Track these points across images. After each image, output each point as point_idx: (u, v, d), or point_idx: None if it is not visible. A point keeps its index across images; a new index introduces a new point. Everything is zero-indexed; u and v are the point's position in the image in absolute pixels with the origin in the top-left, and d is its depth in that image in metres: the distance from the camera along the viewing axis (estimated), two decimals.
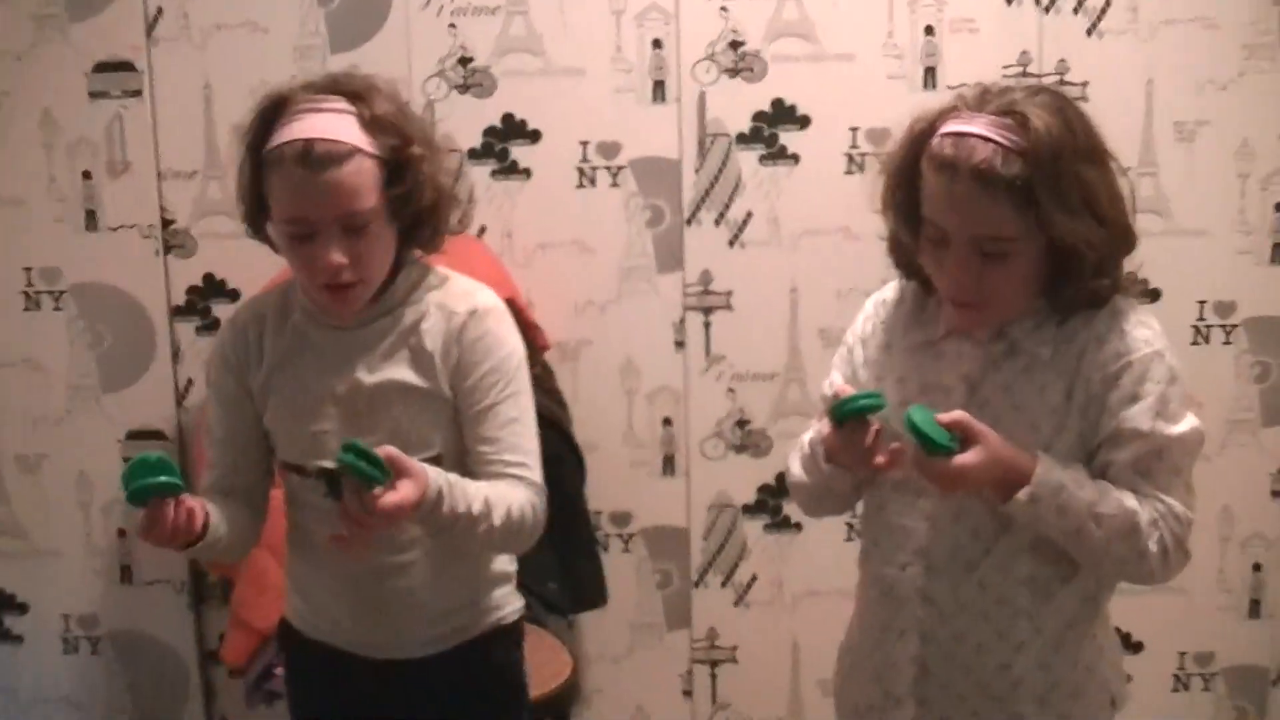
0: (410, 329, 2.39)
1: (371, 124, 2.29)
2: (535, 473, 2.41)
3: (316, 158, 2.22)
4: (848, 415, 2.14)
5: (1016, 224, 2.10)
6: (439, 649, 2.49)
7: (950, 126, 2.14)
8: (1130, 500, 2.10)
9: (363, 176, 2.26)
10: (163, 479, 2.15)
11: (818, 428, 2.31)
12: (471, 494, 2.28)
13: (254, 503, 2.50)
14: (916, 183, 2.19)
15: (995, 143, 2.09)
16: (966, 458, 2.06)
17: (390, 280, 2.40)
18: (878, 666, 2.36)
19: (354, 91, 2.32)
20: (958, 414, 2.09)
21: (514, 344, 2.44)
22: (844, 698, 2.49)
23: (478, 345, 2.38)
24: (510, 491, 2.35)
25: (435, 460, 2.32)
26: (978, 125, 2.11)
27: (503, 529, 2.31)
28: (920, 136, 2.19)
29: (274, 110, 2.31)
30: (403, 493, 2.13)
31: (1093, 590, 2.28)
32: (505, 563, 2.58)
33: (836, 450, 2.21)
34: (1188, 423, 2.18)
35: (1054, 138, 2.09)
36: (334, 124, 2.27)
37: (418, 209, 2.34)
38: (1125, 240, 2.20)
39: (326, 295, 2.33)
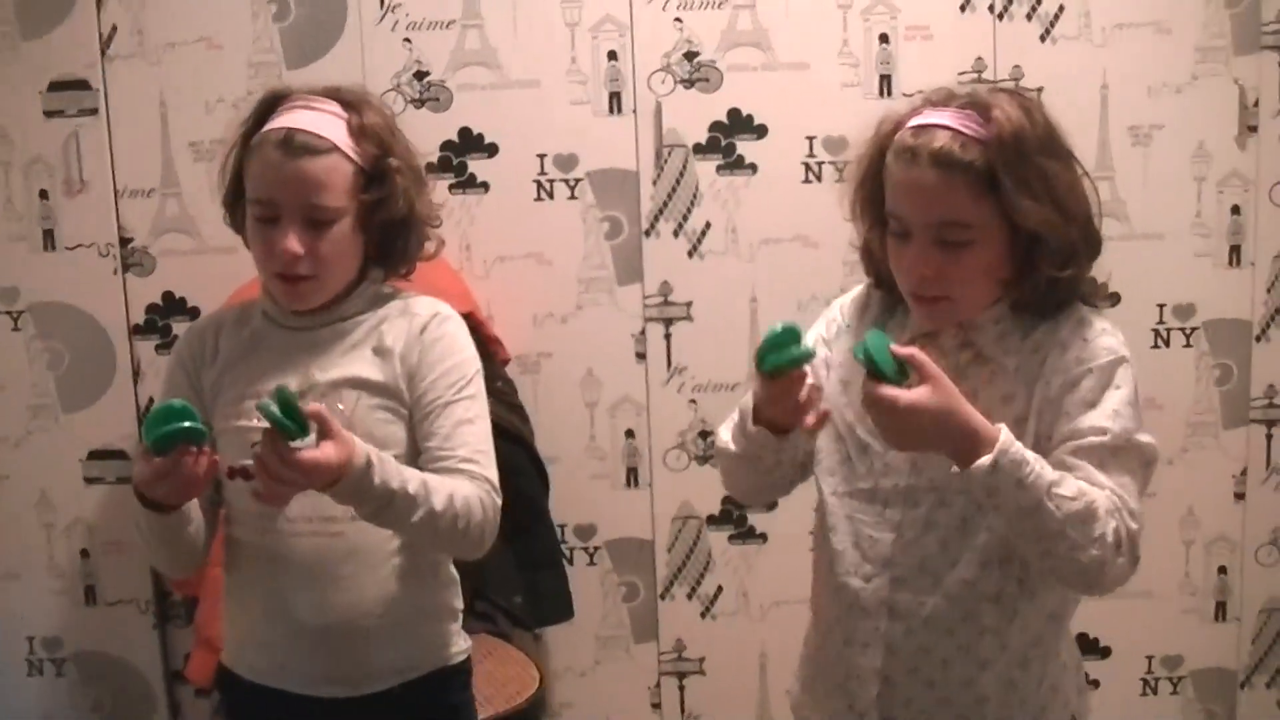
0: (372, 329, 2.42)
1: (359, 131, 2.35)
2: (488, 470, 2.39)
3: (295, 145, 2.30)
4: (779, 366, 2.11)
5: (976, 211, 2.10)
6: (385, 686, 2.45)
7: (914, 120, 2.16)
8: (1088, 487, 2.06)
9: (335, 175, 2.31)
10: (189, 424, 2.15)
11: (750, 393, 2.28)
12: (408, 475, 2.26)
13: (203, 507, 2.44)
14: (882, 180, 2.19)
15: (956, 130, 2.11)
16: (916, 394, 2.01)
17: (353, 289, 2.42)
18: (840, 679, 2.34)
19: (349, 100, 2.39)
20: (914, 350, 2.04)
21: (472, 352, 2.46)
22: (804, 710, 2.48)
23: (437, 345, 2.40)
24: (455, 483, 2.33)
25: None
26: (941, 117, 2.14)
27: (446, 517, 2.28)
28: (887, 135, 2.20)
29: (271, 104, 2.39)
30: (324, 451, 2.12)
31: (1058, 608, 2.27)
32: (453, 599, 2.55)
33: (764, 404, 2.20)
34: (1146, 436, 2.15)
35: (1015, 125, 2.10)
36: (321, 121, 2.33)
37: (387, 220, 2.37)
38: (1090, 240, 2.19)
39: (279, 284, 2.36)
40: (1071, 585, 2.17)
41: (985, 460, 2.00)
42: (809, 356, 2.13)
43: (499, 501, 2.40)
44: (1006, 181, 2.08)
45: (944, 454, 2.06)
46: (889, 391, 2.01)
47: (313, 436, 2.13)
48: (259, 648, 2.47)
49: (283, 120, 2.34)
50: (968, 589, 2.20)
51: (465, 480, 2.34)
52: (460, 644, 2.56)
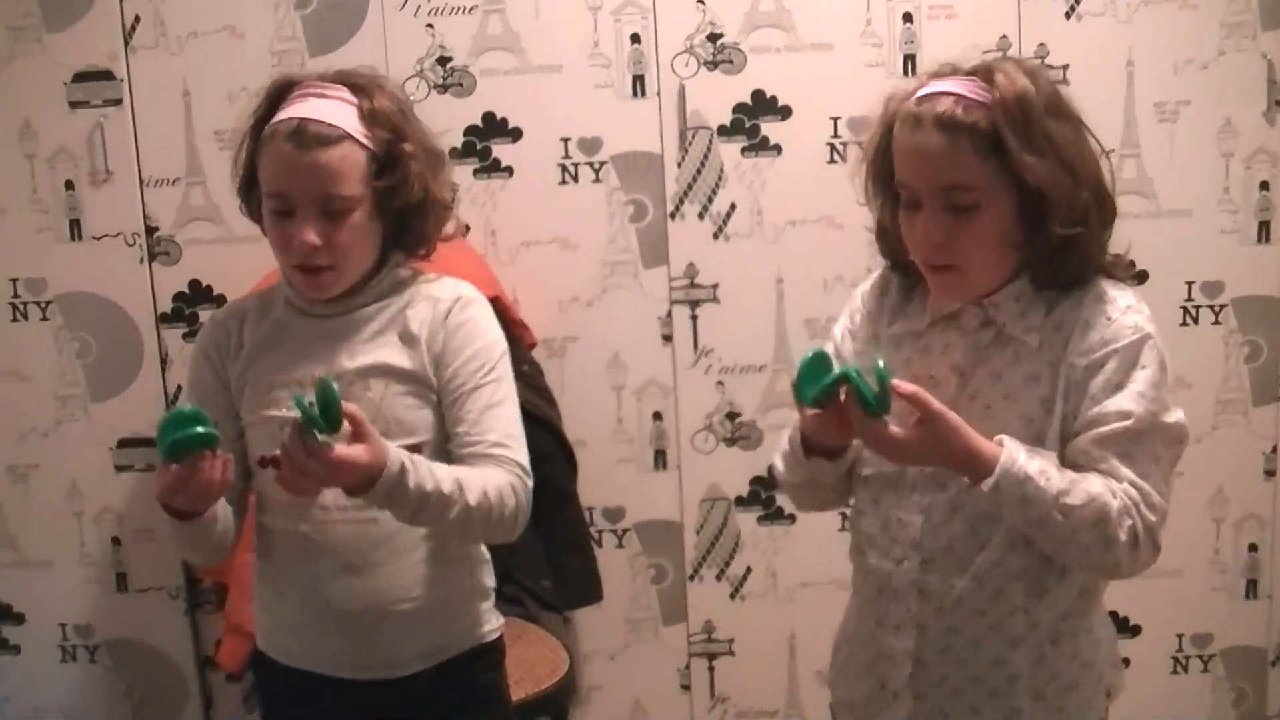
0: (396, 315, 2.41)
1: (369, 116, 2.33)
2: (518, 454, 2.39)
3: (307, 136, 2.28)
4: (819, 397, 2.10)
5: (982, 172, 2.09)
6: (418, 668, 2.45)
7: (920, 91, 2.17)
8: (1100, 489, 2.05)
9: (348, 163, 2.30)
10: (200, 430, 2.15)
11: (796, 421, 2.29)
12: (441, 475, 2.26)
13: (232, 499, 2.44)
14: (891, 156, 2.19)
15: (960, 95, 2.11)
16: (899, 433, 2.05)
17: (375, 275, 2.41)
18: (872, 660, 2.34)
19: (360, 85, 2.37)
20: (912, 389, 2.05)
21: (497, 334, 2.45)
22: (839, 690, 2.48)
23: (462, 330, 2.39)
24: (487, 473, 2.33)
25: (416, 448, 2.32)
26: (945, 85, 2.15)
27: (480, 511, 2.29)
28: (893, 111, 2.20)
29: (281, 92, 2.37)
30: (353, 451, 2.13)
31: (1088, 584, 2.27)
32: (485, 577, 2.56)
33: (813, 433, 2.20)
34: (1173, 415, 2.14)
35: (1019, 88, 2.11)
36: (332, 109, 2.31)
37: (403, 206, 2.36)
38: (1102, 203, 2.18)
39: (299, 276, 2.36)
40: (1075, 565, 2.18)
41: (987, 483, 2.04)
42: (845, 379, 2.10)
43: (530, 485, 2.40)
44: (1011, 139, 2.08)
45: (949, 469, 2.11)
46: (872, 429, 2.06)
47: (342, 434, 2.13)
48: (292, 632, 2.48)
49: (293, 110, 2.32)
50: (996, 569, 2.20)
51: (495, 468, 2.34)
52: (493, 622, 2.56)
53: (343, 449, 2.12)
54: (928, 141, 2.11)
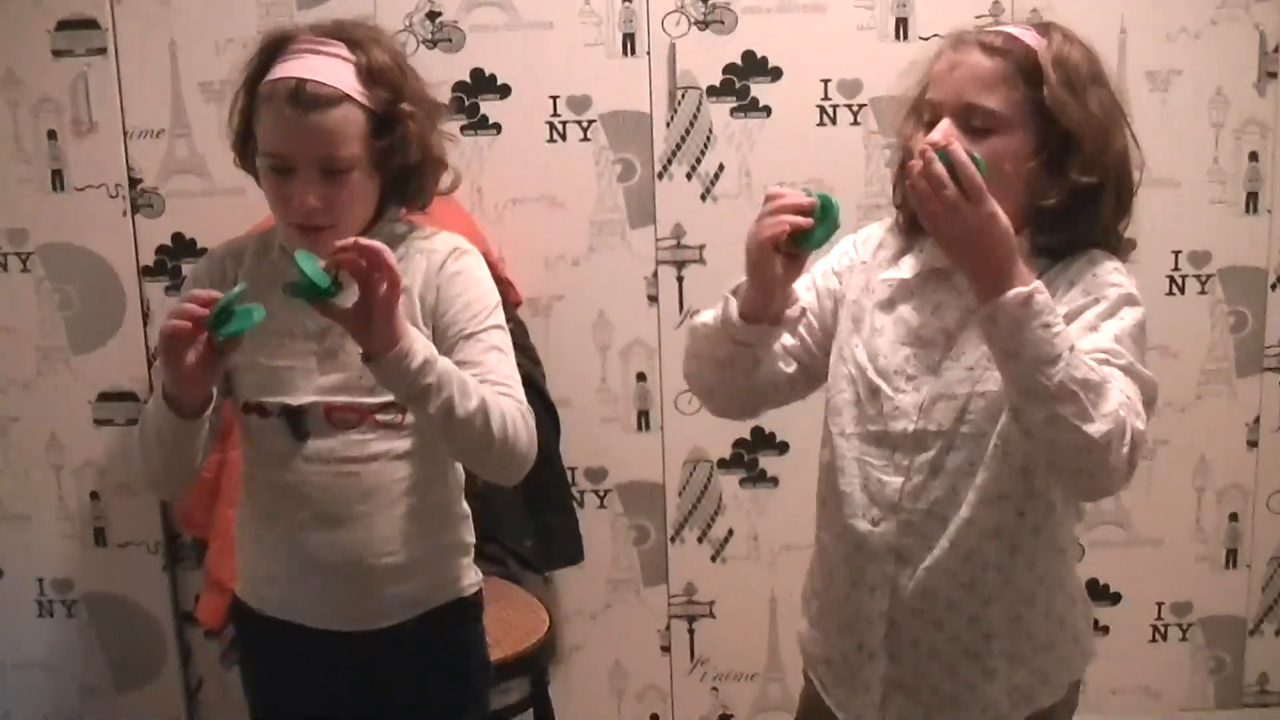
0: None
1: (368, 74, 2.30)
2: (519, 396, 2.35)
3: (306, 97, 2.24)
4: (809, 246, 2.12)
5: (1008, 98, 2.11)
6: (398, 620, 2.44)
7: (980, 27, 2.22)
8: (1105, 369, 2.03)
9: (349, 124, 2.27)
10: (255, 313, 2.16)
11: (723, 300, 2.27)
12: (457, 371, 2.24)
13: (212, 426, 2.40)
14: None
15: (1013, 35, 2.15)
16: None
17: (371, 228, 2.38)
18: (848, 619, 2.34)
19: (356, 40, 2.33)
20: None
21: (491, 286, 2.43)
22: (814, 647, 2.47)
23: (456, 279, 2.37)
24: (496, 395, 2.30)
25: (400, 405, 2.32)
26: (1006, 26, 2.21)
27: (497, 422, 2.24)
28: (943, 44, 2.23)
29: (276, 46, 2.33)
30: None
31: (1062, 541, 2.28)
32: (465, 533, 2.54)
33: (766, 284, 2.19)
34: (1147, 370, 2.10)
35: (1073, 45, 2.16)
36: (330, 67, 2.28)
37: (402, 165, 2.34)
38: (1122, 179, 2.19)
39: (297, 234, 2.32)
40: (1068, 472, 2.06)
41: (1022, 289, 1.97)
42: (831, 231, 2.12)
43: (534, 425, 2.36)
44: (1053, 75, 2.10)
45: (976, 275, 2.02)
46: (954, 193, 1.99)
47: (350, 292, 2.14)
48: (272, 582, 2.47)
49: (290, 68, 2.28)
50: (969, 528, 2.19)
51: (504, 399, 2.31)
52: (471, 577, 2.55)
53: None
54: (966, 57, 2.14)
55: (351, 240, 2.11)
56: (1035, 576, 2.24)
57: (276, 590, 2.47)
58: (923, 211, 2.04)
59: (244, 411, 2.41)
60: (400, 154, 2.33)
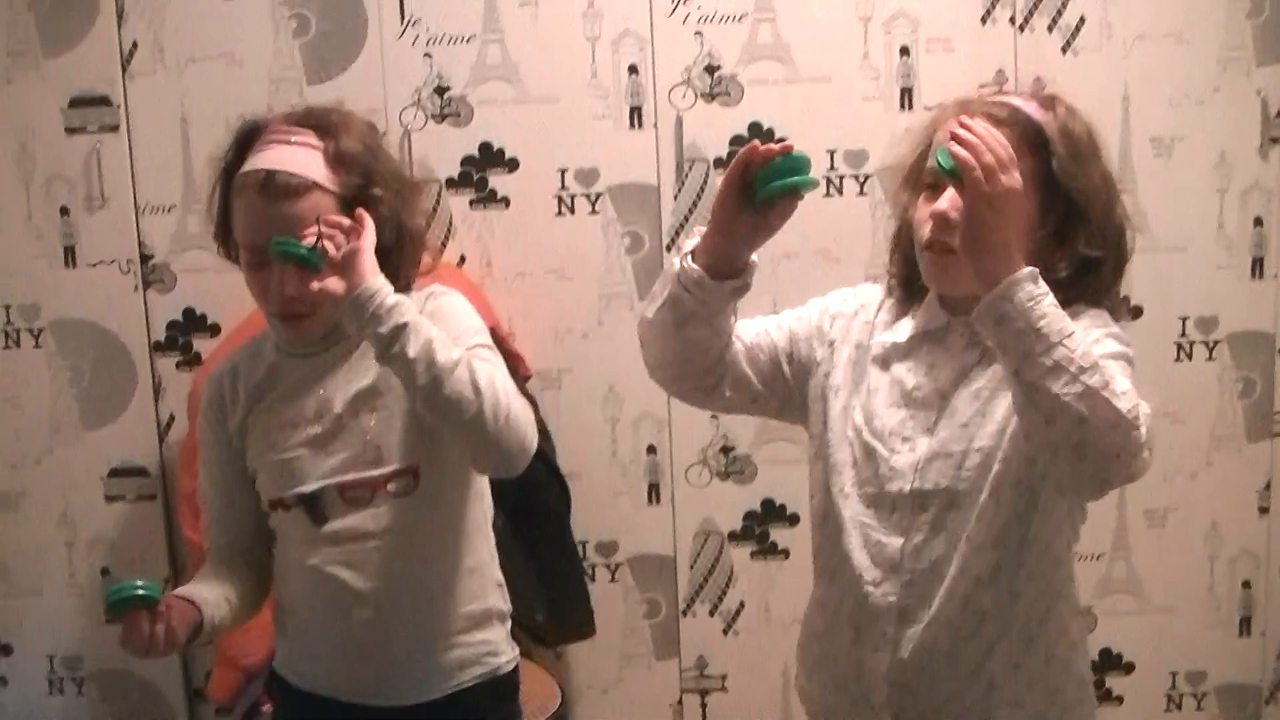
0: None
1: (336, 160, 2.33)
2: (517, 394, 2.31)
3: (274, 188, 2.28)
4: (780, 192, 2.09)
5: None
6: (430, 696, 2.43)
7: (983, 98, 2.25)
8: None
9: (317, 211, 2.28)
10: (140, 590, 2.23)
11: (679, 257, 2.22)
12: (436, 331, 2.23)
13: (254, 560, 2.49)
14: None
15: (1018, 106, 2.19)
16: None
17: None
18: (851, 674, 2.32)
19: (326, 126, 2.36)
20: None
21: (475, 320, 2.40)
22: (812, 695, 2.45)
23: (436, 313, 2.34)
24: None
25: (409, 471, 2.34)
26: (1009, 97, 2.24)
27: (484, 379, 2.20)
28: (945, 113, 2.25)
29: (248, 137, 2.37)
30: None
31: (1059, 584, 2.27)
32: (499, 602, 2.53)
33: (729, 239, 2.15)
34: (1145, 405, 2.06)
35: (1077, 119, 2.21)
36: (298, 157, 2.31)
37: (378, 247, 2.32)
38: (1120, 249, 2.23)
39: (279, 324, 2.38)
40: (1101, 456, 1.97)
41: (1029, 268, 1.98)
42: (813, 185, 2.10)
43: (533, 418, 2.33)
44: (1061, 149, 2.13)
45: (993, 260, 2.00)
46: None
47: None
48: (308, 659, 2.49)
49: (260, 159, 2.31)
50: (964, 577, 2.19)
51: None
52: (508, 653, 2.54)
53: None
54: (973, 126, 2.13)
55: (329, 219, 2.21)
56: (1033, 620, 2.23)
57: (314, 665, 2.48)
58: (967, 177, 1.99)
59: (271, 509, 2.44)
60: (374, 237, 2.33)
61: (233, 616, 2.41)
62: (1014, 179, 1.99)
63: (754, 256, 2.20)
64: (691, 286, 2.18)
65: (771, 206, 2.11)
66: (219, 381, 2.50)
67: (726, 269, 2.18)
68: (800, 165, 2.09)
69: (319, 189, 2.30)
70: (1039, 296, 1.96)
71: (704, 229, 2.19)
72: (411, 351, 2.17)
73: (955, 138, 2.01)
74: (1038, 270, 1.99)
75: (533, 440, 2.30)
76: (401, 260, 2.40)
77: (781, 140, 2.16)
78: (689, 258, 2.18)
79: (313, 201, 2.28)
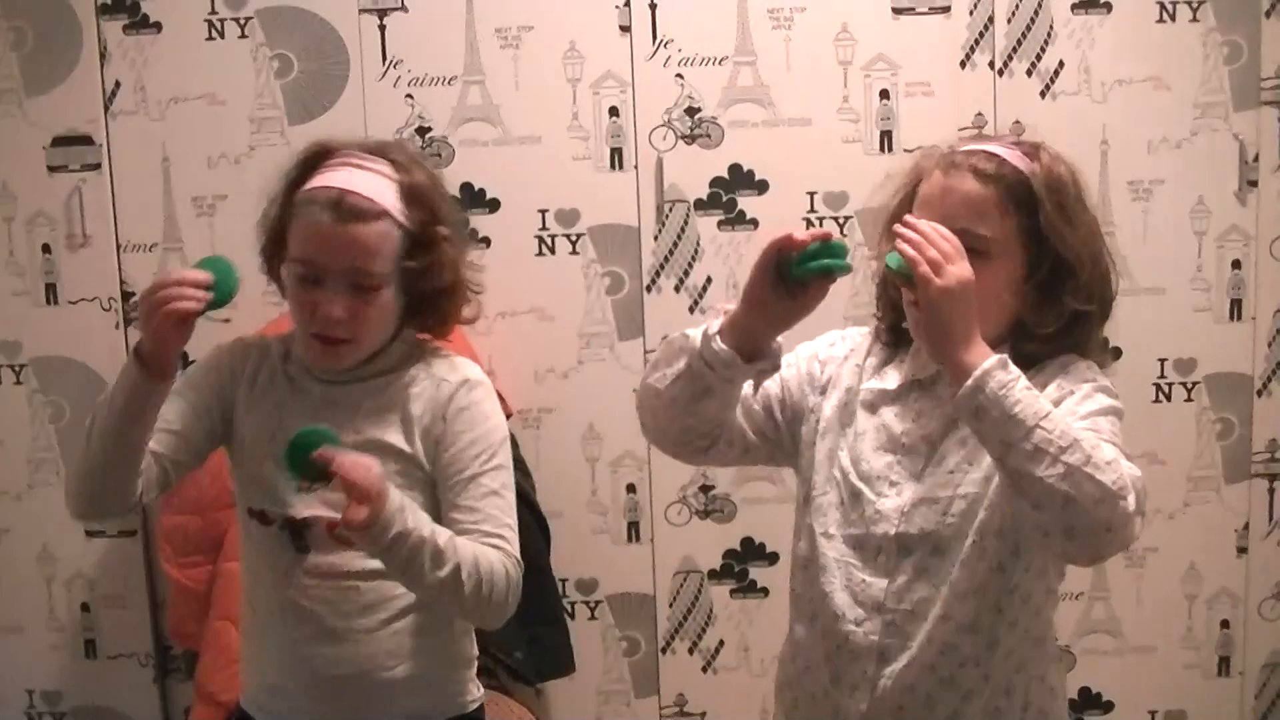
0: (399, 392, 2.38)
1: (408, 194, 2.31)
2: (513, 546, 2.35)
3: (346, 208, 2.25)
4: (814, 273, 2.07)
5: (1001, 225, 2.13)
6: None
7: (966, 146, 2.23)
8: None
9: (384, 240, 2.27)
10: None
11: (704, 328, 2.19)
12: (439, 530, 2.24)
13: (158, 471, 2.36)
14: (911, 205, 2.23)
15: (1003, 158, 2.17)
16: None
17: (386, 347, 2.39)
18: (829, 715, 2.31)
19: (398, 160, 2.35)
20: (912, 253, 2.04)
21: (499, 420, 2.42)
22: None
23: (463, 415, 2.36)
24: (482, 549, 2.29)
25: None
26: (992, 145, 2.21)
27: (472, 580, 2.24)
28: (929, 160, 2.25)
29: (318, 157, 2.34)
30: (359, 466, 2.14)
31: (1039, 631, 2.27)
32: (467, 647, 2.53)
33: (761, 318, 2.13)
34: (1131, 465, 2.07)
35: (1062, 167, 2.21)
36: (372, 183, 2.29)
37: (431, 288, 2.34)
38: (1106, 298, 2.23)
39: (316, 345, 2.32)
40: (1090, 531, 1.98)
41: (996, 355, 2.00)
42: (846, 269, 2.07)
43: (520, 576, 2.36)
44: (1047, 203, 2.14)
45: (956, 341, 2.02)
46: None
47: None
48: (276, 694, 2.46)
49: (333, 178, 2.29)
50: (945, 623, 2.19)
51: (493, 551, 2.31)
52: (474, 693, 2.54)
53: (348, 462, 2.13)
54: (959, 184, 2.15)
55: (348, 462, 2.14)
56: (1012, 668, 2.23)
57: (280, 702, 2.46)
58: (916, 274, 2.02)
59: (248, 516, 2.41)
60: (430, 277, 2.33)
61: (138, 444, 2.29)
62: (963, 269, 2.01)
63: (780, 339, 2.18)
64: (718, 365, 2.15)
65: (805, 288, 2.10)
66: (246, 350, 2.46)
67: (753, 349, 2.15)
68: (838, 251, 2.08)
69: (389, 218, 2.28)
70: (1009, 384, 1.97)
71: (728, 308, 2.17)
72: (403, 572, 2.24)
73: (900, 236, 2.03)
74: (1006, 356, 2.00)
75: (510, 609, 2.36)
76: (450, 306, 2.41)
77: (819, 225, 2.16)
78: (717, 339, 2.15)
79: (381, 230, 2.27)
